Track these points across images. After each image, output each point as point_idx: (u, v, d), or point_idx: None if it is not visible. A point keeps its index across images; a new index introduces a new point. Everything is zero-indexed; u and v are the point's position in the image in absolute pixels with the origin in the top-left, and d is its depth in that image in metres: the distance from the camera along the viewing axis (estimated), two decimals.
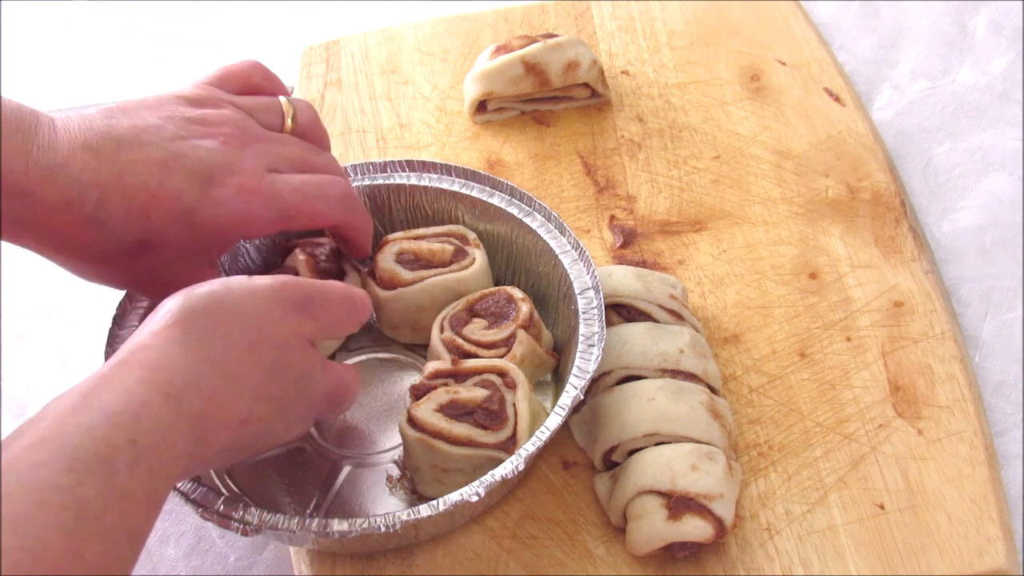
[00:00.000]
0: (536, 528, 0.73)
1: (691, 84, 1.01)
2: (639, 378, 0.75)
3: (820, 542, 0.71)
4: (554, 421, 0.69)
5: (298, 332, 0.62)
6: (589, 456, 0.76)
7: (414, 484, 0.73)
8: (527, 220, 0.81)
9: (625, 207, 0.92)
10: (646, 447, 0.72)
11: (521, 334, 0.75)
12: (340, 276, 0.80)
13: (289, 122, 0.74)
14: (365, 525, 0.64)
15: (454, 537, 0.72)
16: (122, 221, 0.63)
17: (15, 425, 0.50)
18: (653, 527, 0.69)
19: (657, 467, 0.70)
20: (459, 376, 0.73)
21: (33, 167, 0.61)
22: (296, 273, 0.78)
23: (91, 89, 1.13)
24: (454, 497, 0.65)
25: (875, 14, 1.11)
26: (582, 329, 0.74)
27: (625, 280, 0.80)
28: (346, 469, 0.76)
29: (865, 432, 0.77)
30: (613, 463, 0.74)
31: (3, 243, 0.65)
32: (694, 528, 0.68)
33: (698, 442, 0.72)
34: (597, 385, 0.77)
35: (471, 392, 0.71)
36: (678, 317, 0.79)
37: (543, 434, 0.68)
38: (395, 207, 0.84)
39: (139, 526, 0.50)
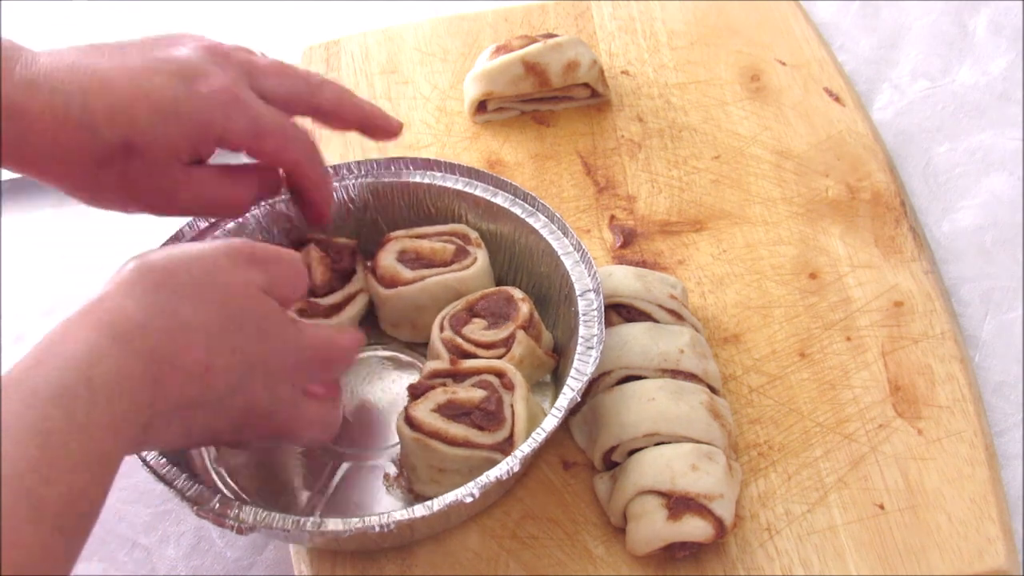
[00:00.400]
0: (536, 528, 0.73)
1: (691, 84, 1.01)
2: (639, 378, 0.75)
3: (820, 542, 0.71)
4: (550, 422, 0.69)
5: (247, 280, 0.64)
6: (589, 456, 0.76)
7: (411, 483, 0.73)
8: (530, 220, 0.80)
9: (625, 207, 0.92)
10: (646, 447, 0.72)
11: (520, 335, 0.75)
12: (351, 276, 0.81)
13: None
14: (360, 524, 0.64)
15: (454, 537, 0.72)
16: (108, 121, 0.66)
17: None
18: (653, 527, 0.69)
19: (657, 467, 0.70)
20: (457, 376, 0.73)
21: (18, 81, 0.65)
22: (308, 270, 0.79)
23: None
24: (449, 497, 0.65)
25: (875, 14, 1.10)
26: (581, 331, 0.74)
27: (625, 280, 0.80)
28: (344, 466, 0.76)
29: (865, 432, 0.77)
30: (613, 463, 0.74)
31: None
32: (694, 528, 0.68)
33: (698, 442, 0.72)
34: (597, 385, 0.77)
35: (468, 392, 0.71)
36: (678, 317, 0.79)
37: (539, 435, 0.68)
38: (398, 205, 0.84)
39: (107, 451, 0.53)
